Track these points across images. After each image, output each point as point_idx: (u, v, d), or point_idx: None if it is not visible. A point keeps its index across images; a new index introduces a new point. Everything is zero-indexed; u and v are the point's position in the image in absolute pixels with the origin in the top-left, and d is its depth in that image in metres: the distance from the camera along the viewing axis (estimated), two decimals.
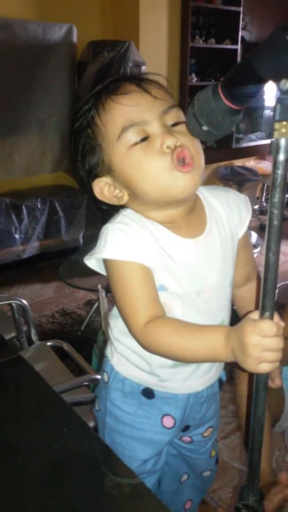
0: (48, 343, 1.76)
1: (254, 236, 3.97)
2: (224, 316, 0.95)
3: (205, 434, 1.09)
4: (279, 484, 1.19)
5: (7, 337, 1.84)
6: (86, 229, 3.72)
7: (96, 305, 2.84)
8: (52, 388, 1.02)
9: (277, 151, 0.58)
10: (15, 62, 3.38)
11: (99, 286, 2.02)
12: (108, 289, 2.14)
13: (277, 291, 0.68)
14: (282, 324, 0.70)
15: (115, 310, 0.95)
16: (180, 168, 0.79)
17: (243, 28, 4.69)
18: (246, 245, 0.99)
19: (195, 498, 1.25)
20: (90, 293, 3.13)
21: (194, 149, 0.81)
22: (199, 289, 0.88)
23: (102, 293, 1.98)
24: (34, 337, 1.86)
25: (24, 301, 1.85)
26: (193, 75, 4.37)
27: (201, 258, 0.88)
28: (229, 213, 0.94)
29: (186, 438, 1.09)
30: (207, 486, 1.25)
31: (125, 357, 0.96)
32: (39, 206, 3.48)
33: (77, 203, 3.65)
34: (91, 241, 3.71)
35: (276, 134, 0.57)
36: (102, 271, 0.89)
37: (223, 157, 4.68)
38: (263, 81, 0.60)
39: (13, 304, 1.87)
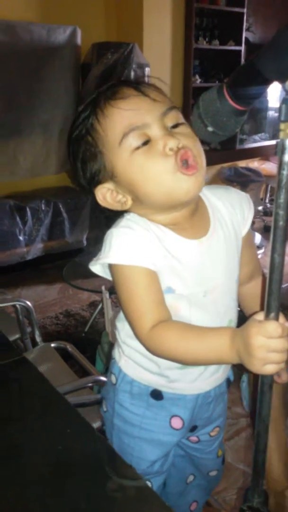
0: (52, 345, 1.76)
1: (258, 237, 3.96)
2: (231, 316, 0.95)
3: (212, 434, 1.09)
4: None
5: (11, 338, 1.84)
6: (90, 230, 3.72)
7: (100, 306, 2.84)
8: (56, 389, 1.02)
9: (282, 152, 0.58)
10: (19, 64, 3.39)
11: (103, 288, 2.02)
12: (111, 291, 2.14)
13: (282, 292, 0.68)
14: (287, 325, 0.70)
15: (121, 313, 0.95)
16: (184, 170, 0.79)
17: (247, 29, 4.68)
18: (249, 243, 0.99)
19: (201, 499, 1.25)
20: (94, 295, 3.13)
21: (196, 150, 0.81)
22: (206, 290, 0.88)
23: (106, 295, 1.98)
24: (38, 338, 1.86)
25: (28, 303, 1.86)
26: (197, 77, 4.37)
27: (206, 258, 0.88)
28: (232, 212, 0.94)
29: (193, 438, 1.09)
30: (213, 486, 1.25)
31: (133, 359, 0.97)
32: (43, 208, 3.48)
33: (81, 205, 3.66)
34: (95, 242, 3.72)
35: (281, 134, 0.57)
36: (108, 276, 0.89)
37: (227, 158, 4.67)
38: (268, 81, 0.60)
39: (17, 306, 1.87)
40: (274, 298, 0.66)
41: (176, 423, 0.99)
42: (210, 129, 0.70)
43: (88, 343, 2.59)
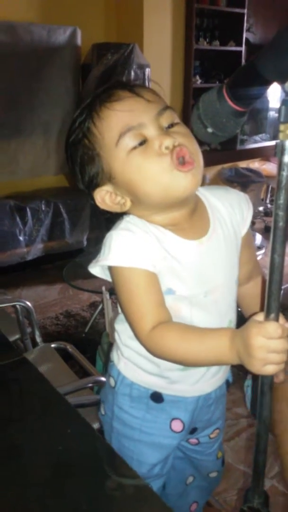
0: (52, 345, 1.76)
1: (259, 238, 3.96)
2: (231, 316, 0.95)
3: (212, 436, 1.09)
4: None
5: (11, 339, 1.84)
6: (90, 231, 3.72)
7: (100, 307, 2.84)
8: (56, 390, 1.02)
9: (282, 153, 0.58)
10: (19, 65, 3.40)
11: (103, 288, 2.03)
12: (112, 291, 2.14)
13: (282, 292, 0.68)
14: (287, 326, 0.70)
15: (122, 315, 0.94)
16: (181, 167, 0.79)
17: (248, 30, 4.69)
18: (248, 243, 0.99)
19: (201, 500, 1.25)
20: (94, 295, 3.13)
21: (193, 147, 0.81)
22: (207, 290, 0.89)
23: (106, 295, 1.98)
24: (38, 339, 1.86)
25: (28, 303, 1.85)
26: (197, 77, 4.37)
27: (206, 259, 0.88)
28: (231, 212, 0.94)
29: (193, 440, 1.09)
30: (213, 487, 1.25)
31: (132, 361, 0.96)
32: (43, 208, 3.48)
33: (81, 205, 3.66)
34: (95, 243, 3.72)
35: (281, 136, 0.57)
36: (107, 278, 0.89)
37: (228, 159, 4.67)
38: (267, 82, 0.60)
39: (17, 306, 1.87)
40: (274, 298, 0.66)
41: (177, 426, 0.98)
42: (210, 130, 0.70)
43: (88, 343, 2.59)
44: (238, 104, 0.65)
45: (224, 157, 4.54)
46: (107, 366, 1.74)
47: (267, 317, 0.68)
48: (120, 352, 0.99)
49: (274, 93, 4.38)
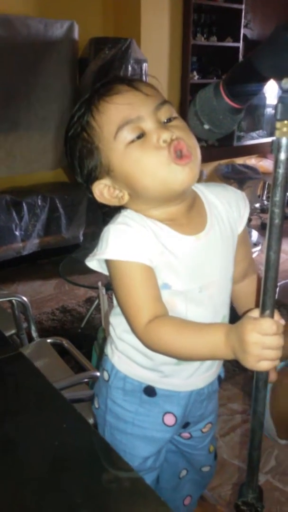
0: (48, 340, 1.76)
1: (255, 235, 3.97)
2: (225, 312, 0.96)
3: (204, 430, 1.10)
4: None
5: (7, 333, 1.84)
6: (86, 226, 3.71)
7: (96, 302, 2.84)
8: (52, 385, 1.02)
9: (278, 150, 0.58)
10: (16, 59, 3.38)
11: (99, 284, 2.02)
12: (108, 287, 2.14)
13: (278, 289, 0.68)
14: (282, 322, 0.70)
15: (117, 309, 0.95)
16: (178, 161, 0.80)
17: (245, 26, 4.67)
18: (244, 241, 1.00)
19: (195, 493, 1.26)
20: (90, 290, 3.13)
21: (190, 141, 0.82)
22: (202, 285, 0.89)
23: (102, 291, 1.98)
24: (34, 334, 1.86)
25: (24, 298, 1.85)
26: (195, 73, 4.36)
27: (203, 254, 0.89)
28: (229, 209, 0.95)
29: (185, 434, 1.10)
30: (207, 481, 1.26)
31: (126, 355, 0.97)
32: (39, 203, 3.47)
33: (78, 200, 3.65)
34: (92, 238, 3.71)
35: (277, 133, 0.57)
36: (104, 271, 0.90)
37: (224, 155, 4.67)
38: (264, 79, 0.60)
39: (13, 301, 1.87)
40: (269, 295, 0.67)
41: (169, 419, 0.99)
42: (206, 126, 0.70)
43: (84, 339, 2.59)
44: (235, 101, 0.65)
45: (221, 153, 4.54)
46: (101, 360, 1.74)
47: (262, 314, 0.68)
48: (114, 345, 0.99)
49: (271, 89, 4.38)
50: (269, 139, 4.96)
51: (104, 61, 3.41)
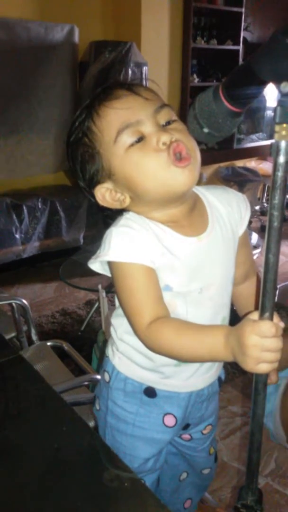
0: (48, 343, 1.76)
1: (255, 237, 3.97)
2: (225, 313, 0.96)
3: (204, 432, 1.10)
4: None
5: (7, 337, 1.84)
6: (86, 229, 3.72)
7: (96, 305, 2.84)
8: (52, 388, 1.02)
9: (277, 153, 0.58)
10: (17, 62, 3.39)
11: (99, 286, 2.03)
12: (108, 289, 2.14)
13: (277, 292, 0.68)
14: (281, 324, 0.70)
15: (119, 310, 0.96)
16: (177, 163, 0.81)
17: (245, 29, 4.69)
18: (245, 243, 1.00)
19: (195, 496, 1.26)
20: (91, 293, 3.13)
21: (190, 143, 0.83)
22: (202, 286, 0.90)
23: (103, 293, 1.98)
24: (34, 337, 1.86)
25: (24, 301, 1.85)
26: (195, 76, 4.37)
27: (204, 255, 0.89)
28: (230, 211, 0.96)
29: (186, 436, 1.10)
30: (207, 484, 1.26)
31: (127, 356, 0.97)
32: (39, 206, 3.48)
33: (78, 203, 3.65)
34: (92, 241, 3.70)
35: (276, 136, 0.58)
36: (107, 273, 0.90)
37: (225, 158, 4.68)
38: (263, 83, 0.61)
39: (13, 304, 1.87)
40: (268, 297, 0.67)
41: (169, 420, 0.99)
42: (205, 130, 0.71)
43: (84, 341, 2.59)
44: (234, 104, 0.66)
45: (221, 156, 4.54)
46: (102, 362, 1.74)
47: (261, 316, 0.68)
48: (115, 346, 1.00)
49: (271, 92, 4.39)
50: (269, 142, 4.97)
51: (104, 64, 3.42)
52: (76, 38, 3.61)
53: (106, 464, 0.84)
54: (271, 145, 0.59)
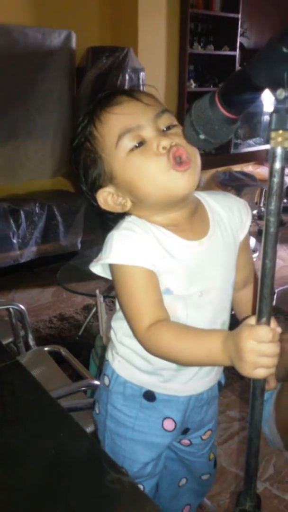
0: (46, 348, 1.75)
1: (252, 241, 3.98)
2: (225, 317, 0.97)
3: (204, 437, 1.10)
4: None
5: (4, 342, 1.84)
6: (84, 234, 3.72)
7: (94, 310, 2.83)
8: (49, 394, 1.02)
9: (273, 160, 0.59)
10: (14, 68, 3.39)
11: (97, 291, 2.02)
12: (106, 294, 2.14)
13: (275, 296, 0.68)
14: (278, 330, 0.70)
15: (119, 313, 0.96)
16: (177, 167, 0.82)
17: (242, 35, 4.71)
18: (246, 248, 1.01)
19: (193, 502, 1.26)
20: (88, 298, 3.12)
21: (190, 148, 0.84)
22: (202, 290, 0.90)
23: (100, 298, 1.98)
24: (31, 342, 1.85)
25: (22, 306, 1.85)
26: (192, 81, 4.39)
27: (205, 259, 0.90)
28: (231, 216, 0.96)
29: (185, 441, 1.10)
30: (206, 490, 1.26)
31: (127, 359, 0.98)
32: (37, 211, 3.48)
33: (76, 208, 3.65)
34: (90, 246, 3.69)
35: (272, 143, 0.58)
36: (108, 276, 0.91)
37: (222, 163, 4.70)
38: (259, 90, 0.61)
39: (11, 309, 1.87)
40: (265, 303, 0.67)
41: (169, 424, 0.99)
42: (202, 136, 0.71)
43: (82, 347, 2.58)
44: (230, 111, 0.66)
45: (218, 160, 4.56)
46: (100, 369, 1.74)
47: (258, 321, 0.68)
48: (115, 350, 1.00)
49: (268, 97, 4.40)
50: (266, 147, 5.01)
51: (102, 70, 3.43)
52: (74, 43, 3.62)
53: (103, 471, 0.83)
54: (267, 151, 0.59)
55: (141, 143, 0.84)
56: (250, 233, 1.02)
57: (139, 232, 0.85)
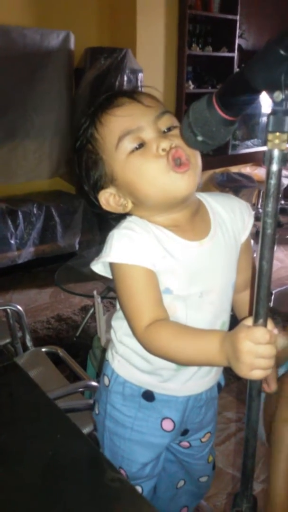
0: (43, 349, 1.75)
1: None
2: (225, 318, 0.97)
3: (203, 439, 1.10)
4: None
5: (1, 343, 1.84)
6: (82, 234, 3.72)
7: (91, 311, 2.83)
8: (46, 395, 1.02)
9: (270, 162, 0.59)
10: (12, 69, 3.39)
11: (95, 292, 2.02)
12: (103, 295, 2.14)
13: (272, 297, 0.69)
14: (275, 331, 0.70)
15: (119, 313, 0.97)
16: (177, 169, 0.82)
17: (240, 36, 4.72)
18: (247, 250, 1.01)
19: (191, 504, 1.26)
20: (86, 299, 3.12)
21: (190, 150, 0.84)
22: (202, 291, 0.90)
23: (98, 299, 1.97)
24: (29, 343, 1.85)
25: (19, 307, 1.85)
26: (190, 83, 4.40)
27: (205, 260, 0.90)
28: (233, 217, 0.97)
29: (185, 443, 1.10)
30: (203, 492, 1.26)
31: (126, 359, 0.98)
32: (35, 212, 3.48)
33: (73, 209, 3.65)
34: (87, 246, 3.68)
35: (269, 145, 0.58)
36: (109, 275, 0.92)
37: (220, 164, 4.70)
38: (257, 92, 0.61)
39: (8, 310, 1.87)
40: (262, 304, 0.67)
41: (167, 425, 1.00)
42: (200, 138, 0.71)
43: (79, 347, 2.58)
44: (228, 113, 0.66)
45: (216, 162, 4.56)
46: (98, 370, 1.74)
47: (255, 323, 0.68)
48: (115, 349, 1.00)
49: (266, 99, 4.41)
50: (263, 148, 5.01)
51: (100, 71, 3.43)
52: (72, 44, 3.62)
53: (100, 473, 0.83)
54: (264, 154, 0.59)
55: (141, 145, 0.84)
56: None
57: (139, 231, 0.86)
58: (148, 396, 0.97)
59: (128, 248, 0.84)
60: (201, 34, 4.49)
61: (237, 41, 4.57)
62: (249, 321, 0.70)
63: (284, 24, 4.67)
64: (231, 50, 4.55)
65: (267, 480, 1.27)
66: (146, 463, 1.03)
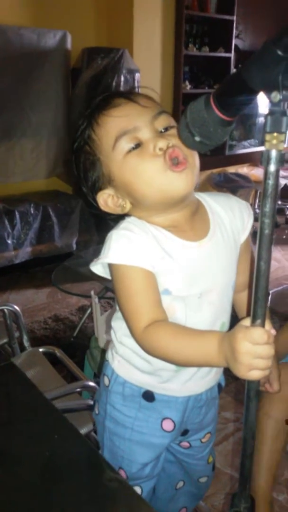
0: (40, 349, 1.75)
1: None
2: (224, 319, 0.97)
3: (203, 440, 1.10)
4: None
5: None
6: (79, 234, 3.71)
7: (89, 311, 2.83)
8: (43, 395, 1.02)
9: (267, 162, 0.59)
10: (9, 68, 3.39)
11: (92, 292, 2.02)
12: (101, 295, 2.14)
13: (270, 297, 0.69)
14: (273, 331, 0.70)
15: (119, 313, 0.96)
16: (174, 168, 0.82)
17: (237, 36, 4.73)
18: (247, 250, 1.01)
19: (190, 505, 1.26)
20: (83, 299, 3.12)
21: (188, 149, 0.83)
22: (201, 291, 0.90)
23: (95, 299, 1.97)
24: (26, 343, 1.85)
25: (16, 307, 1.84)
26: (187, 83, 4.40)
27: (204, 261, 0.90)
28: (232, 218, 0.97)
29: (185, 444, 1.10)
30: (202, 492, 1.26)
31: (126, 359, 0.98)
32: (32, 212, 3.47)
33: (71, 209, 3.65)
34: (85, 247, 3.67)
35: (267, 145, 0.58)
36: (108, 276, 0.91)
37: (217, 164, 4.70)
38: (254, 92, 0.61)
39: (5, 310, 1.86)
40: (260, 304, 0.67)
41: (167, 425, 1.00)
42: (197, 138, 0.71)
43: (76, 348, 2.58)
44: (225, 113, 0.66)
45: (213, 162, 4.57)
46: (95, 370, 1.74)
47: (253, 323, 0.68)
48: (115, 349, 1.00)
49: (263, 99, 4.41)
50: (260, 148, 5.02)
51: (97, 71, 3.43)
52: (69, 44, 3.62)
53: (98, 473, 0.83)
54: (261, 154, 0.59)
55: (138, 145, 0.84)
56: None
57: (137, 232, 0.86)
58: (148, 396, 0.97)
59: (127, 249, 0.84)
60: (198, 35, 4.49)
61: (233, 42, 4.58)
62: (247, 322, 0.70)
63: (281, 25, 4.67)
64: (228, 50, 4.55)
65: None
66: (146, 463, 1.03)
